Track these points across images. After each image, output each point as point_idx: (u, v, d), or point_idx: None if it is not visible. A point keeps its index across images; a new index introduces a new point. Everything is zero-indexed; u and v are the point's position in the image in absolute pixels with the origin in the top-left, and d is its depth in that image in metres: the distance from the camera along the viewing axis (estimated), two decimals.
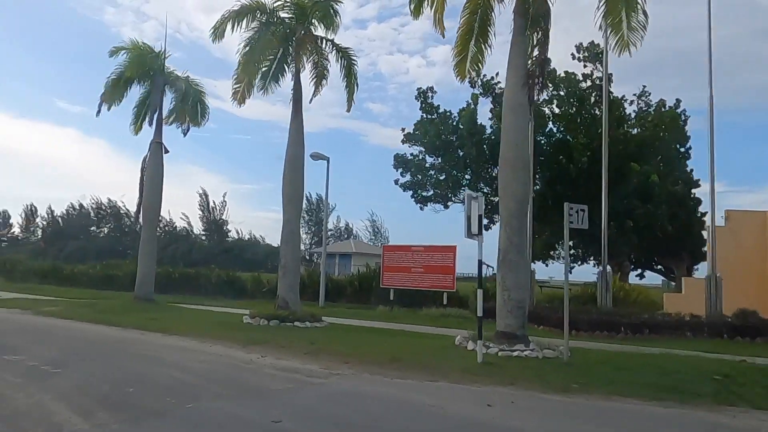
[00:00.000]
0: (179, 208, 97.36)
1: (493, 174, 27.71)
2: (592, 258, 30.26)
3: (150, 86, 18.62)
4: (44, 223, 79.94)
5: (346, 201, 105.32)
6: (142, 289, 17.80)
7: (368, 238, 72.25)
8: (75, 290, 25.59)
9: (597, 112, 26.34)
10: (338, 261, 54.52)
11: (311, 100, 15.61)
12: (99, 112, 18.36)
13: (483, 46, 12.75)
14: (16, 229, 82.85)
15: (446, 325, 15.65)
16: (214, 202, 72.27)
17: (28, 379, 7.07)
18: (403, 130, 36.59)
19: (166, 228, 71.56)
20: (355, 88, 15.88)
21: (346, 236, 73.91)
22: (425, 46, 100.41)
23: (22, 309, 16.98)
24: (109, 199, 72.85)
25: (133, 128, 19.22)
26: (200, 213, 72.78)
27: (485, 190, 28.05)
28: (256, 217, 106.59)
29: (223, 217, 73.98)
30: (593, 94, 26.55)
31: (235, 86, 15.24)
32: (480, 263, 9.43)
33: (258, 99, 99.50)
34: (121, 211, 71.48)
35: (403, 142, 36.48)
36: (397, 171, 37.31)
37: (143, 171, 18.43)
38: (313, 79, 15.62)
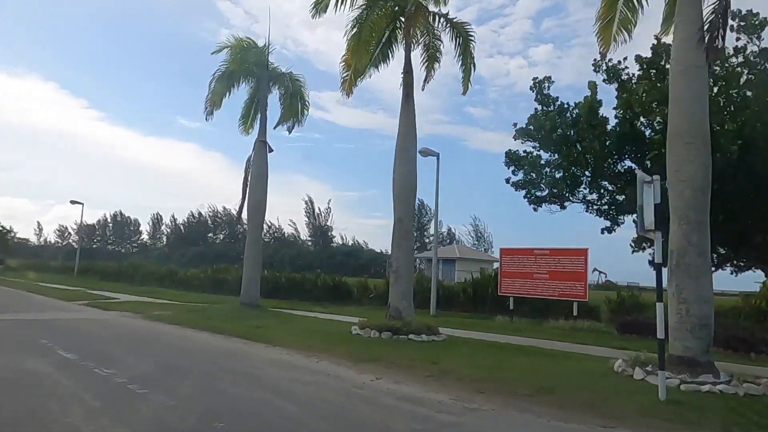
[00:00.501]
0: (286, 215, 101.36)
1: (617, 170, 24.63)
2: (741, 262, 25.90)
3: (254, 82, 18.02)
4: (168, 230, 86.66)
5: (447, 206, 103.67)
6: (248, 294, 17.12)
7: (471, 243, 69.78)
8: (187, 294, 25.98)
9: (748, 93, 22.35)
10: (442, 266, 52.79)
11: (423, 86, 14.11)
12: (208, 114, 18.06)
13: (634, 4, 10.40)
14: (144, 236, 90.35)
15: (582, 340, 13.31)
16: (319, 209, 73.79)
17: (108, 403, 5.96)
18: (514, 125, 33.96)
19: (275, 234, 74.53)
20: (472, 68, 14.06)
21: (448, 241, 72.34)
22: (526, 46, 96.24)
23: (134, 313, 16.90)
24: (224, 207, 76.74)
25: (243, 129, 18.77)
26: (306, 220, 74.22)
27: (609, 188, 25.03)
28: (359, 224, 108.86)
29: (328, 224, 75.42)
30: (745, 72, 22.55)
31: (343, 75, 14.02)
32: (658, 268, 7.14)
33: (360, 108, 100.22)
34: (234, 219, 75.09)
35: (515, 138, 33.89)
36: (508, 169, 34.82)
37: (247, 171, 17.84)
38: (424, 63, 14.01)
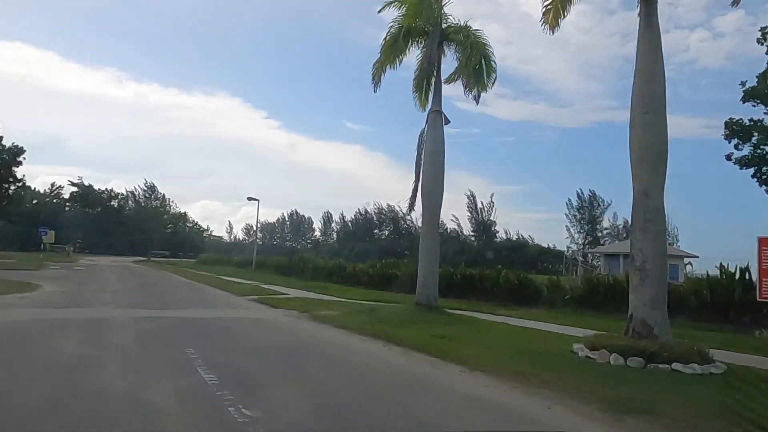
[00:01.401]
0: (448, 210, 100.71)
1: None
2: None
3: (426, 43, 15.12)
4: (338, 227, 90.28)
5: (623, 197, 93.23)
6: (425, 293, 14.22)
7: None
8: (355, 290, 24.22)
9: None
10: (623, 262, 45.65)
11: None
12: (375, 84, 15.57)
13: None
14: (317, 233, 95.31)
15: None
16: (481, 203, 70.84)
17: None
18: (742, 84, 26.93)
19: (438, 229, 72.60)
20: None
21: (624, 235, 64.33)
22: (710, 16, 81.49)
23: (300, 311, 15.03)
24: (388, 205, 77.95)
25: (418, 100, 15.92)
26: (468, 214, 71.50)
27: None
28: (521, 218, 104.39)
29: (491, 218, 72.05)
30: None
31: (545, 3, 10.40)
32: None
33: (520, 99, 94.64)
34: (398, 215, 76.54)
35: (743, 100, 26.83)
36: (730, 143, 27.82)
37: (420, 148, 14.98)
38: None
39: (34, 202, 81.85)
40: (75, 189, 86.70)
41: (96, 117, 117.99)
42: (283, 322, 13.12)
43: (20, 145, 42.27)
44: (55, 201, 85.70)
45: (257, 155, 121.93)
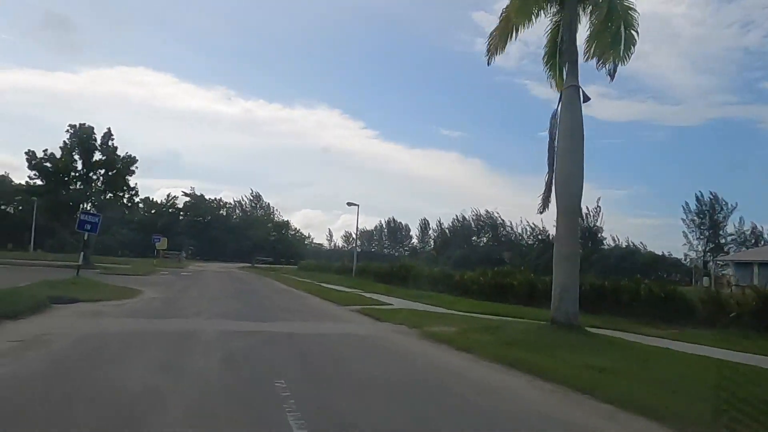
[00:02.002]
0: (551, 216, 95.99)
1: None
2: None
3: (558, 5, 12.52)
4: (435, 234, 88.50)
5: (750, 200, 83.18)
6: (562, 309, 11.49)
7: None
8: (464, 301, 21.75)
9: None
10: (758, 271, 40.07)
11: None
12: (490, 57, 13.24)
13: None
14: (414, 240, 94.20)
15: None
16: (587, 209, 65.96)
17: None
18: None
19: (539, 236, 68.43)
20: None
21: (752, 241, 58.32)
22: None
23: (409, 326, 12.91)
24: (487, 211, 75.84)
25: (550, 75, 13.30)
26: None
27: None
28: (629, 224, 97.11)
29: (597, 224, 66.95)
30: None
31: None
32: None
33: (625, 99, 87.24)
34: (497, 222, 74.96)
35: None
36: None
37: (552, 132, 12.35)
38: None
39: (152, 211, 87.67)
40: (188, 199, 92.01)
41: (208, 132, 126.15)
42: (393, 341, 11.03)
43: (133, 155, 44.36)
44: (170, 211, 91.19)
45: (355, 164, 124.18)
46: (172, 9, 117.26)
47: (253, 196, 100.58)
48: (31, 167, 42.56)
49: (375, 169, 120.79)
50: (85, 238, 23.51)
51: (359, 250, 57.14)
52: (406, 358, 9.31)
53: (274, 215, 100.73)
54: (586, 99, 12.35)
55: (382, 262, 48.88)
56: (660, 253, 60.02)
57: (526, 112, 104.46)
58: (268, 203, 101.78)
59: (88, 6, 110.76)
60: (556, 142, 12.35)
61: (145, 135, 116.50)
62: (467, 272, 26.01)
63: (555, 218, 12.59)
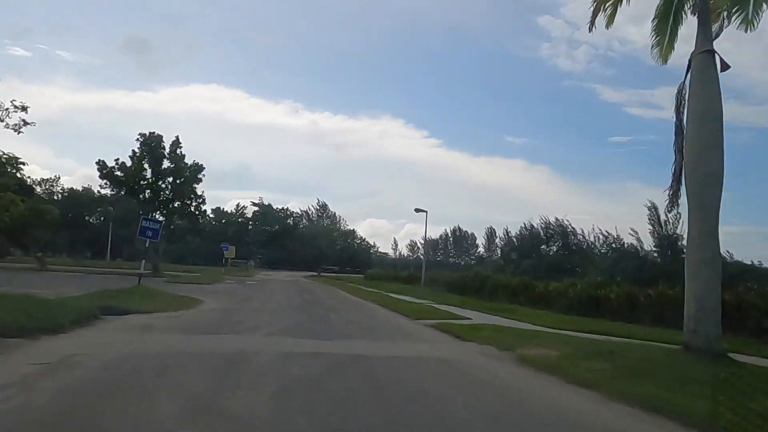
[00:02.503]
0: (623, 225, 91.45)
1: None
2: None
3: None
4: (502, 242, 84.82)
5: None
6: (700, 331, 8.90)
7: None
8: (550, 315, 19.22)
9: None
10: None
11: None
12: (591, 25, 11.01)
13: None
14: (480, 249, 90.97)
15: None
16: (666, 215, 60.43)
17: None
18: None
19: (613, 245, 63.69)
20: None
21: None
22: None
23: (498, 348, 10.76)
24: (556, 218, 72.22)
25: (657, 50, 10.86)
26: (650, 228, 61.61)
27: None
28: None
29: (677, 232, 61.39)
30: None
31: None
32: None
33: None
34: (567, 230, 71.14)
35: None
36: None
37: (679, 110, 9.91)
38: None
39: (223, 221, 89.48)
40: (256, 209, 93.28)
41: (276, 144, 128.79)
42: (485, 368, 8.92)
43: (200, 163, 44.42)
44: (239, 220, 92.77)
45: (420, 173, 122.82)
46: (243, 29, 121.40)
47: (319, 206, 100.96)
48: (102, 176, 43.18)
49: (439, 177, 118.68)
50: (146, 245, 22.91)
51: (423, 258, 55.09)
52: (505, 396, 7.21)
53: (339, 224, 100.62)
54: (725, 67, 9.80)
55: (448, 271, 46.50)
56: (749, 263, 53.68)
57: (595, 116, 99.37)
58: (334, 212, 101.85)
59: (166, 28, 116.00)
60: (684, 123, 9.89)
61: (216, 148, 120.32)
62: (551, 282, 23.36)
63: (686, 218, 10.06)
